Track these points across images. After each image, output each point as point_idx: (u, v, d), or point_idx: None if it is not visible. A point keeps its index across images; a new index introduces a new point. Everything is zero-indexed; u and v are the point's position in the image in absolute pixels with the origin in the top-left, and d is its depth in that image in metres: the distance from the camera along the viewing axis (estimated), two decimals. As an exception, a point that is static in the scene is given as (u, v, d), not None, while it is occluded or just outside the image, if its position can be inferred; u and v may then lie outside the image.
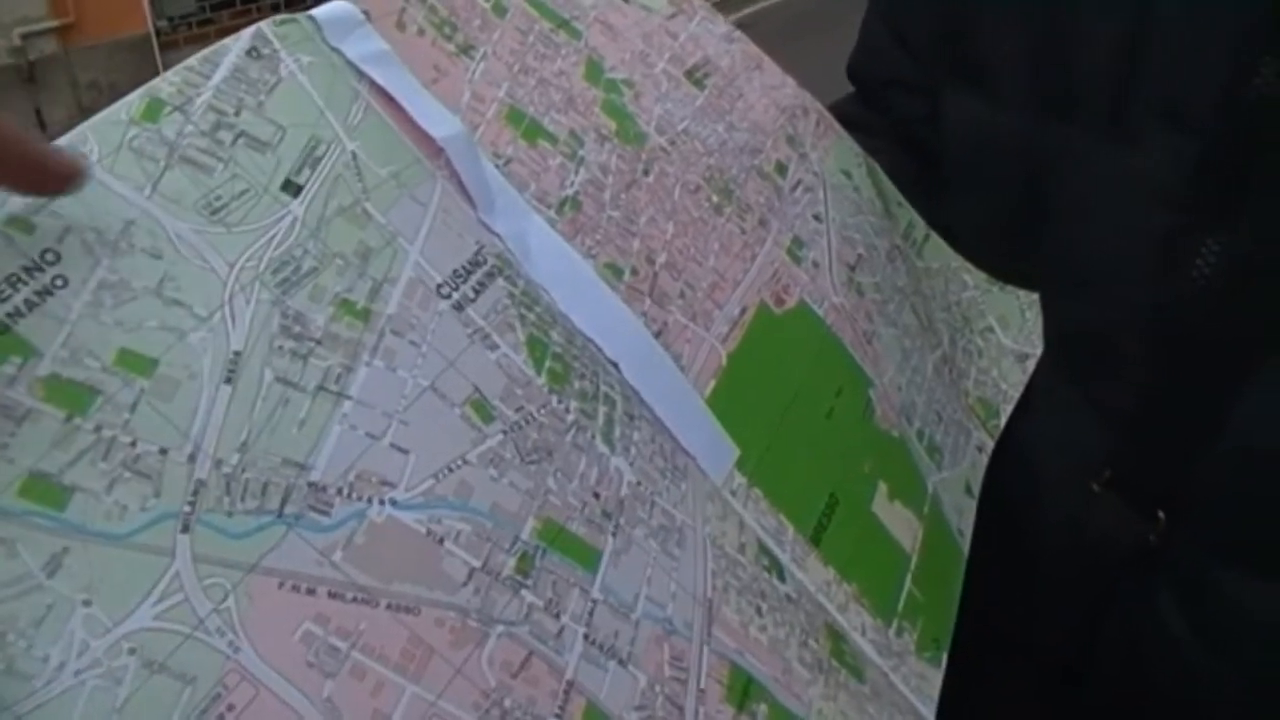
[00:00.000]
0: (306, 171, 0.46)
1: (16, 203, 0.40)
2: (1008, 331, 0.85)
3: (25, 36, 7.69)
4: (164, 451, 0.39)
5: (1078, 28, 0.76)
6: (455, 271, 0.49)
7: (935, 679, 0.63)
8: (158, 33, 8.67)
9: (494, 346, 0.48)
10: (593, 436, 0.50)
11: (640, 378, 0.55)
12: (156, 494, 0.38)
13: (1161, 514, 0.79)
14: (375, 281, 0.46)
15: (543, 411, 0.49)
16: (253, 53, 0.48)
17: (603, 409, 0.51)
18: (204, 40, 8.97)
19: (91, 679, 0.36)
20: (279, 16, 0.50)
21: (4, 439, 0.37)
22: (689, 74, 0.70)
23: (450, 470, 0.44)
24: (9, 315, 0.38)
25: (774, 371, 0.63)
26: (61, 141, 0.42)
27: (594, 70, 0.64)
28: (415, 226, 0.49)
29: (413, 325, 0.46)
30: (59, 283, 0.39)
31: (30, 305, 0.39)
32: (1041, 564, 0.87)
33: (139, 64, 8.63)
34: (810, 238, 0.71)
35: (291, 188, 0.46)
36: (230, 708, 0.37)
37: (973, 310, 0.85)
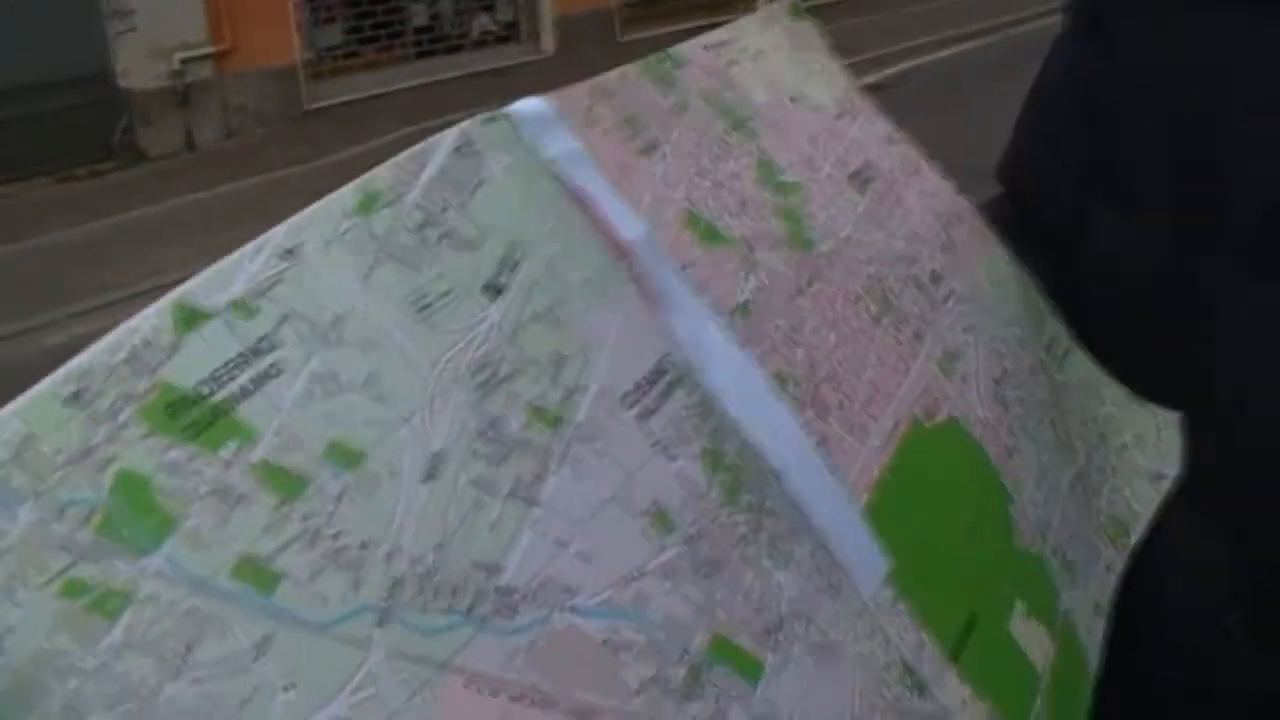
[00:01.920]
0: (506, 274, 0.48)
1: (239, 286, 0.42)
2: (1144, 450, 0.83)
3: (184, 61, 7.96)
4: (365, 545, 0.40)
5: (1229, 170, 0.75)
6: (639, 382, 0.50)
7: None
8: (305, 63, 8.91)
9: (674, 458, 0.50)
10: (758, 551, 0.51)
11: (802, 489, 0.56)
12: (356, 586, 0.40)
13: None
14: (566, 389, 0.48)
15: (715, 524, 0.50)
16: (459, 151, 0.50)
17: (768, 522, 0.52)
18: (348, 73, 9.16)
19: None
20: (482, 115, 0.52)
21: (220, 520, 0.38)
22: (852, 178, 0.71)
23: (629, 580, 0.46)
24: (229, 399, 0.40)
25: (923, 486, 0.64)
26: (282, 228, 0.44)
27: (765, 172, 0.65)
28: (604, 334, 0.50)
29: (599, 434, 0.48)
30: (275, 370, 0.41)
31: (248, 390, 0.41)
32: (1167, 702, 0.85)
33: (286, 92, 8.85)
34: (961, 350, 0.71)
35: (492, 290, 0.47)
36: None
37: (1110, 427, 0.84)
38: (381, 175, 0.47)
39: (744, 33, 0.69)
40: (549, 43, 9.85)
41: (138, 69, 7.93)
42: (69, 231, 6.79)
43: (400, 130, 7.79)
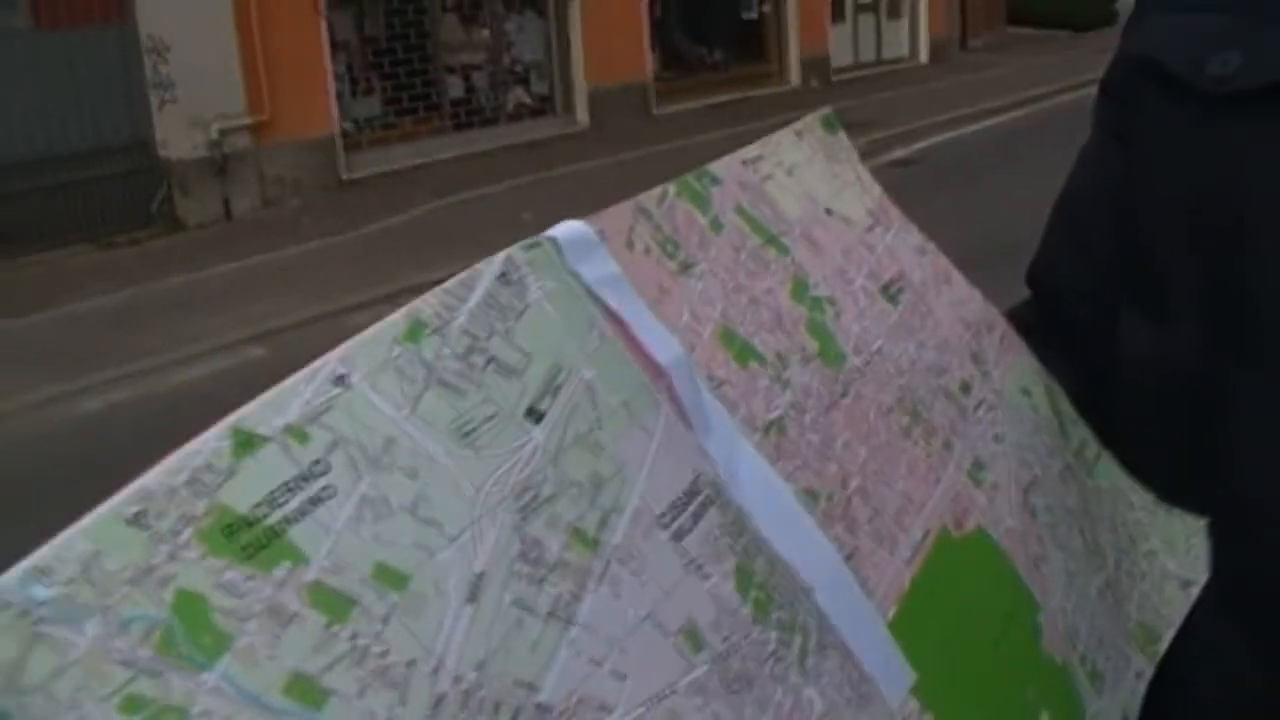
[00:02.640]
0: (548, 399, 0.50)
1: (293, 412, 0.44)
2: (1172, 556, 0.84)
3: (223, 131, 8.09)
4: (411, 664, 0.42)
5: (1260, 282, 0.76)
6: (674, 502, 0.52)
7: None
8: (342, 134, 9.02)
9: (707, 576, 0.51)
10: (788, 667, 0.52)
11: (831, 603, 0.57)
12: (402, 703, 0.41)
13: None
14: (604, 511, 0.49)
15: (746, 641, 0.51)
16: (503, 278, 0.51)
17: (798, 638, 0.54)
18: (385, 144, 9.26)
19: None
20: (526, 241, 0.54)
21: (272, 639, 0.40)
22: (884, 289, 0.72)
23: (660, 698, 0.47)
24: (283, 521, 0.42)
25: (950, 597, 0.65)
26: (334, 356, 0.46)
27: (800, 288, 0.66)
28: (641, 456, 0.52)
29: (635, 555, 0.49)
30: (327, 493, 0.43)
31: (302, 513, 0.42)
32: None
33: (323, 162, 8.95)
34: (990, 459, 0.72)
35: (534, 415, 0.49)
36: None
37: (1138, 532, 0.84)
38: (429, 302, 0.49)
39: (778, 147, 0.71)
40: (583, 115, 9.95)
41: (177, 139, 8.06)
42: (107, 298, 6.88)
43: (436, 201, 7.87)
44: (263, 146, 8.26)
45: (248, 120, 8.17)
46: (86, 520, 0.39)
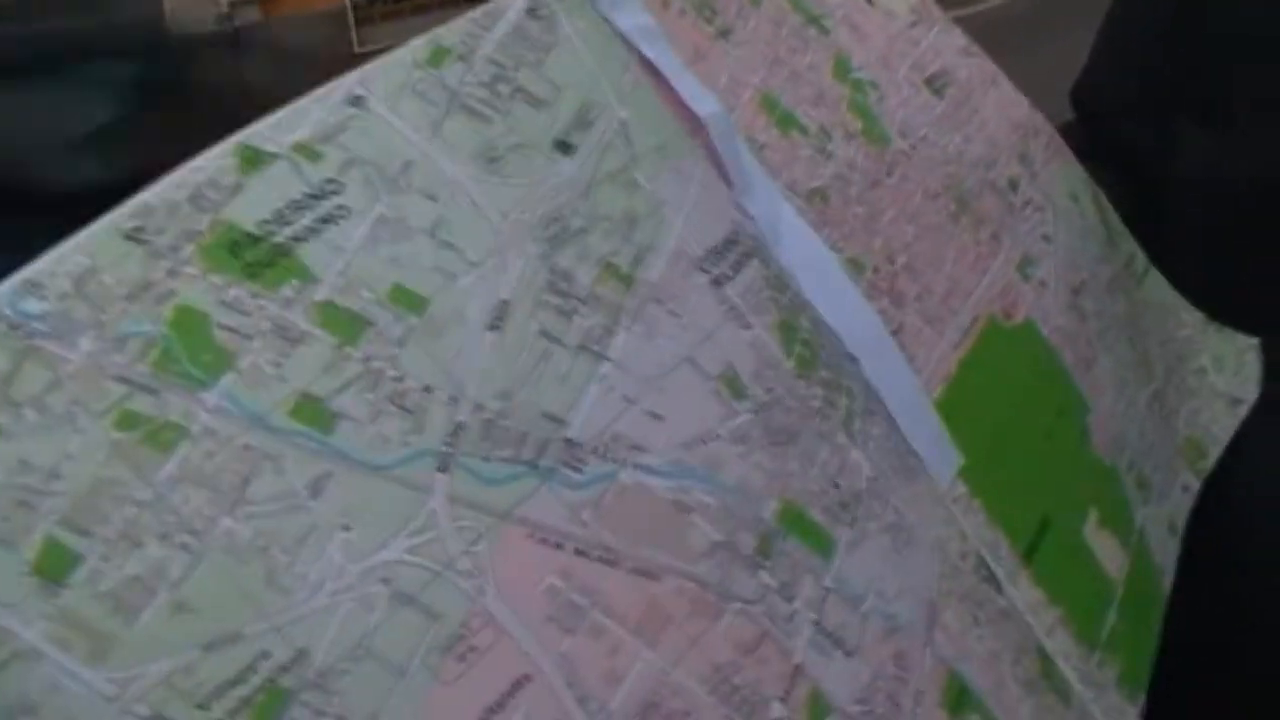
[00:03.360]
0: (579, 133, 0.47)
1: (304, 131, 0.41)
2: (1222, 374, 0.82)
3: (232, 4, 8.01)
4: (428, 389, 0.39)
5: None
6: (713, 248, 0.49)
7: (1133, 715, 0.62)
8: (354, 6, 8.94)
9: (748, 326, 0.48)
10: (834, 426, 0.50)
11: (877, 374, 0.54)
12: (418, 430, 0.39)
13: None
14: (640, 248, 0.46)
15: (790, 395, 0.48)
16: (531, 13, 0.48)
17: (844, 400, 0.51)
18: (398, 17, 9.16)
19: (345, 602, 0.36)
20: None
21: (279, 358, 0.38)
22: (928, 82, 0.70)
23: (701, 442, 0.44)
24: (292, 239, 0.39)
25: (999, 384, 0.62)
26: (350, 78, 0.43)
27: (842, 68, 0.63)
28: (679, 199, 0.49)
29: (674, 295, 0.46)
30: (340, 213, 0.40)
31: (312, 232, 0.39)
32: (1246, 620, 0.84)
33: (335, 36, 8.87)
34: (1038, 257, 0.69)
35: (564, 147, 0.46)
36: (472, 649, 0.38)
37: (1188, 349, 0.82)
38: (453, 30, 0.46)
39: None
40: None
41: (186, 12, 7.97)
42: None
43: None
44: (273, 19, 8.18)
45: (258, -7, 8.10)
46: (82, 235, 0.37)
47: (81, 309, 0.36)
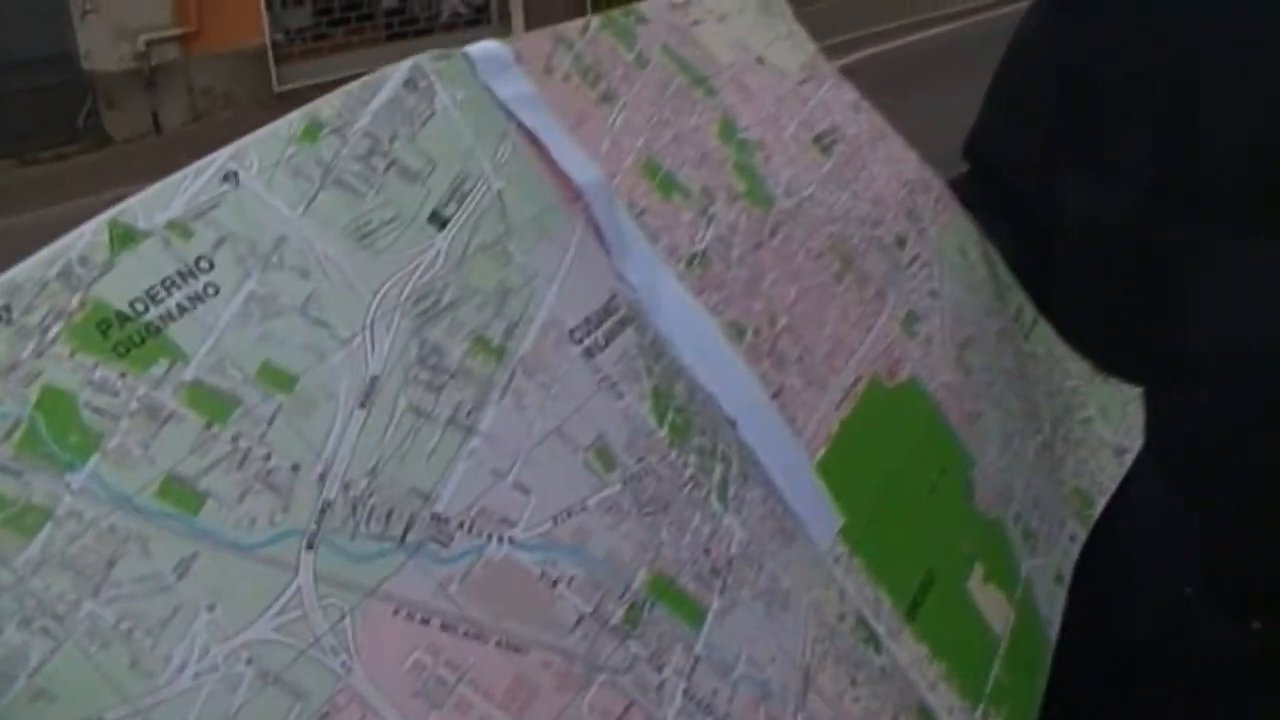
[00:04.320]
0: (454, 205, 0.47)
1: (177, 207, 0.41)
2: (1108, 424, 0.84)
3: (149, 43, 7.89)
4: (296, 468, 0.40)
5: (1210, 137, 0.75)
6: (588, 318, 0.49)
7: None
8: (274, 45, 8.85)
9: (620, 395, 0.49)
10: (708, 494, 0.50)
11: (755, 437, 0.55)
12: (285, 509, 0.39)
13: (1258, 624, 0.77)
14: (511, 321, 0.47)
15: (662, 464, 0.49)
16: (409, 84, 0.49)
17: (719, 466, 0.52)
18: (317, 55, 9.12)
19: (209, 683, 0.36)
20: (435, 51, 0.51)
21: (147, 439, 0.38)
22: (817, 140, 0.70)
23: (569, 515, 0.45)
24: (161, 318, 0.39)
25: (882, 444, 0.63)
26: (223, 153, 0.43)
27: (727, 129, 0.64)
28: (553, 270, 0.49)
29: (544, 367, 0.47)
30: (211, 290, 0.40)
31: (182, 310, 0.40)
32: (1131, 668, 0.85)
33: (254, 74, 8.79)
34: (925, 313, 0.70)
35: (438, 220, 0.47)
36: None
37: (1075, 400, 0.84)
38: (329, 103, 0.47)
39: None
40: (519, 25, 9.83)
41: (102, 50, 7.85)
42: (35, 214, 6.73)
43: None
44: (191, 58, 8.08)
45: (175, 31, 7.98)
46: None
47: None
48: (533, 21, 9.76)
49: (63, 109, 7.86)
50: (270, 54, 8.54)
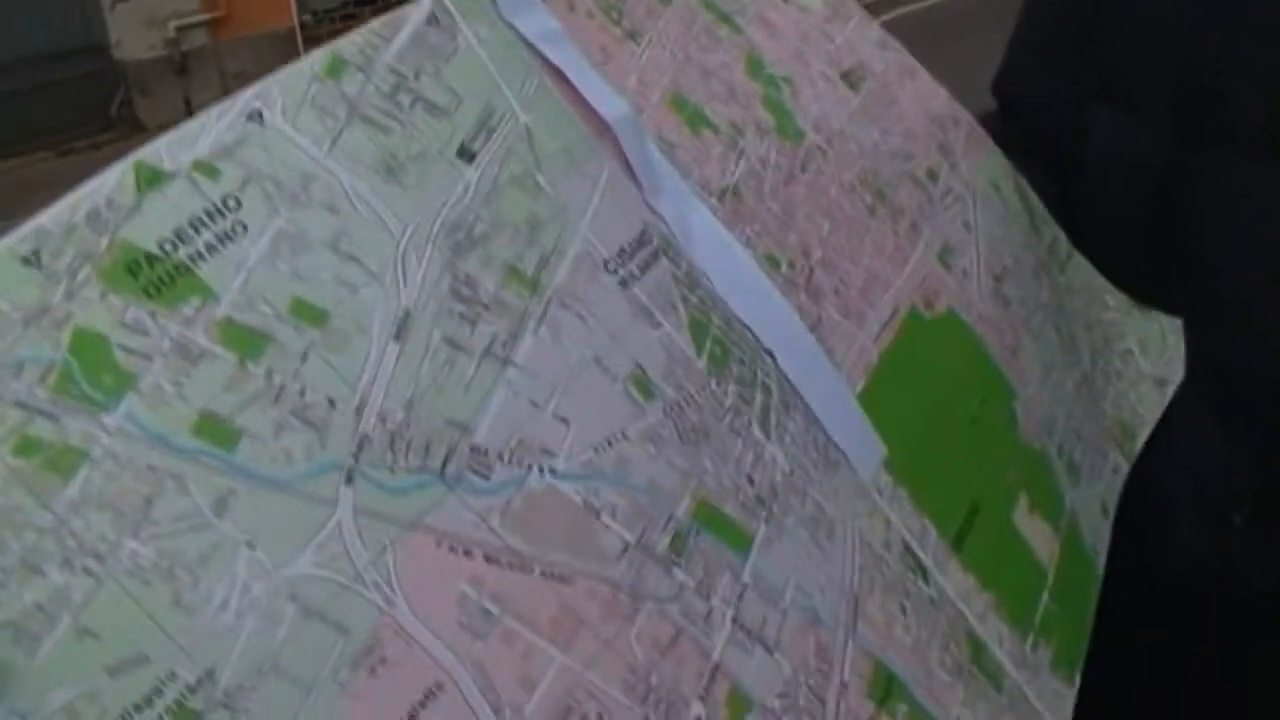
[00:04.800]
0: (481, 139, 0.47)
1: (203, 148, 0.41)
2: (1148, 356, 0.83)
3: (179, 29, 7.93)
4: (332, 402, 0.39)
5: (1232, 56, 0.74)
6: (621, 249, 0.49)
7: (1069, 697, 0.62)
8: (302, 26, 8.88)
9: (657, 325, 0.48)
10: (749, 422, 0.50)
11: (794, 368, 0.54)
12: (322, 444, 0.39)
13: None
14: (544, 252, 0.46)
15: (702, 393, 0.49)
16: (432, 20, 0.48)
17: (760, 395, 0.51)
18: (347, 35, 9.13)
19: (251, 620, 0.36)
20: None
21: (180, 377, 0.37)
22: (844, 76, 0.70)
23: (610, 443, 0.45)
24: (191, 257, 0.39)
25: (922, 374, 0.63)
26: (247, 92, 0.43)
27: (754, 65, 0.64)
28: (584, 201, 0.49)
29: (579, 298, 0.46)
30: (239, 229, 0.40)
31: (211, 249, 0.39)
32: (1174, 598, 0.85)
33: (284, 57, 8.79)
34: (959, 245, 0.70)
35: (466, 154, 0.46)
36: (382, 660, 0.37)
37: (1113, 332, 0.83)
38: (352, 40, 0.46)
39: None
40: (547, 2, 9.82)
41: (133, 39, 7.90)
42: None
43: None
44: (221, 42, 8.11)
45: (204, 16, 8.01)
46: None
47: None
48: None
49: (96, 98, 7.91)
50: (299, 35, 8.57)
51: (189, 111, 8.04)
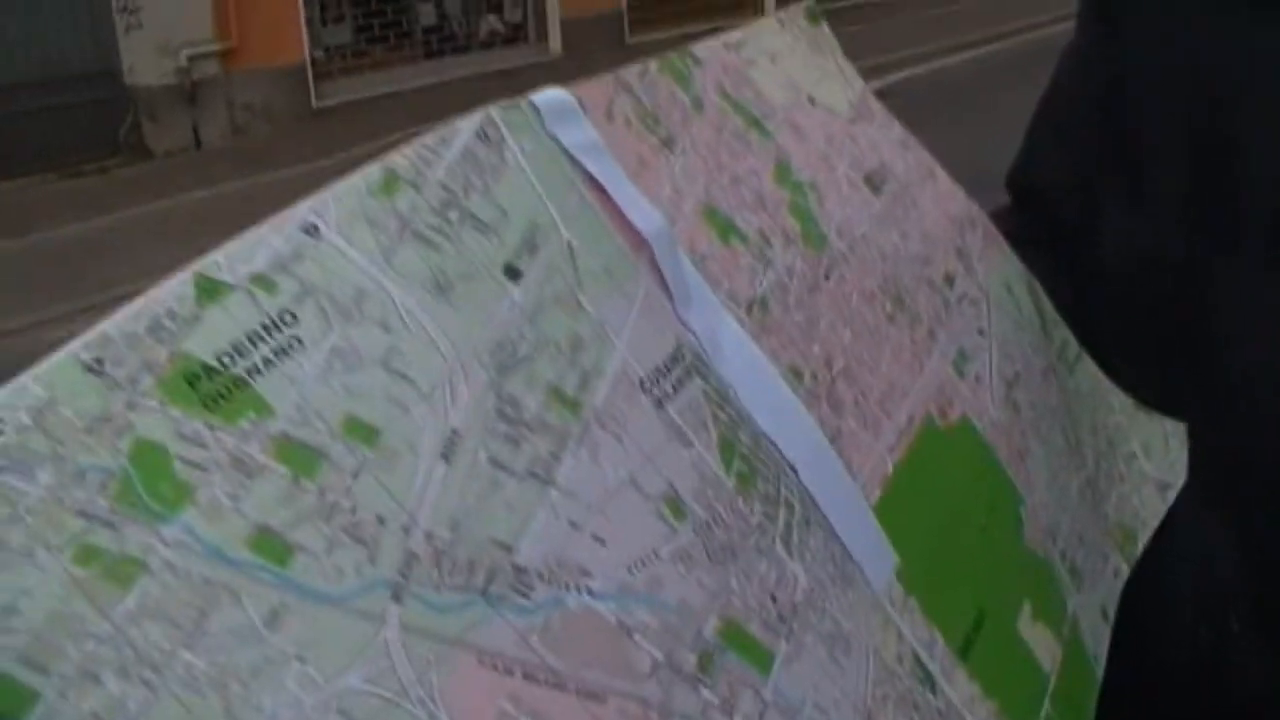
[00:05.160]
0: (526, 258, 0.48)
1: (260, 260, 0.42)
2: (1151, 459, 0.84)
3: (191, 58, 7.97)
4: (381, 520, 0.41)
5: (1245, 168, 0.75)
6: (656, 368, 0.50)
7: None
8: (313, 62, 8.92)
9: (689, 445, 0.50)
10: (773, 540, 0.51)
11: (815, 482, 0.56)
12: (372, 561, 0.40)
13: None
14: (585, 372, 0.48)
15: (730, 512, 0.50)
16: (480, 135, 0.50)
17: (783, 513, 0.53)
18: (356, 72, 9.17)
19: None
20: (504, 102, 0.52)
21: (236, 491, 0.39)
22: (867, 179, 0.71)
23: (643, 564, 0.46)
24: (248, 371, 0.40)
25: (935, 484, 0.64)
26: (304, 205, 0.44)
27: (782, 171, 0.65)
28: (622, 320, 0.50)
29: (617, 418, 0.48)
30: (295, 344, 0.41)
31: (268, 363, 0.40)
32: (1174, 702, 0.85)
33: (293, 90, 8.84)
34: (974, 351, 0.71)
35: (512, 272, 0.48)
36: None
37: (1118, 435, 0.84)
38: (405, 155, 0.47)
39: (761, 34, 0.70)
40: (556, 44, 9.87)
41: (144, 66, 7.94)
42: (75, 227, 6.80)
43: (408, 129, 7.71)
44: (232, 74, 8.15)
45: (216, 47, 8.05)
46: (41, 366, 0.37)
47: (40, 441, 0.36)
48: (569, 40, 9.80)
49: (105, 123, 7.94)
50: (310, 70, 8.61)
51: (196, 140, 8.08)
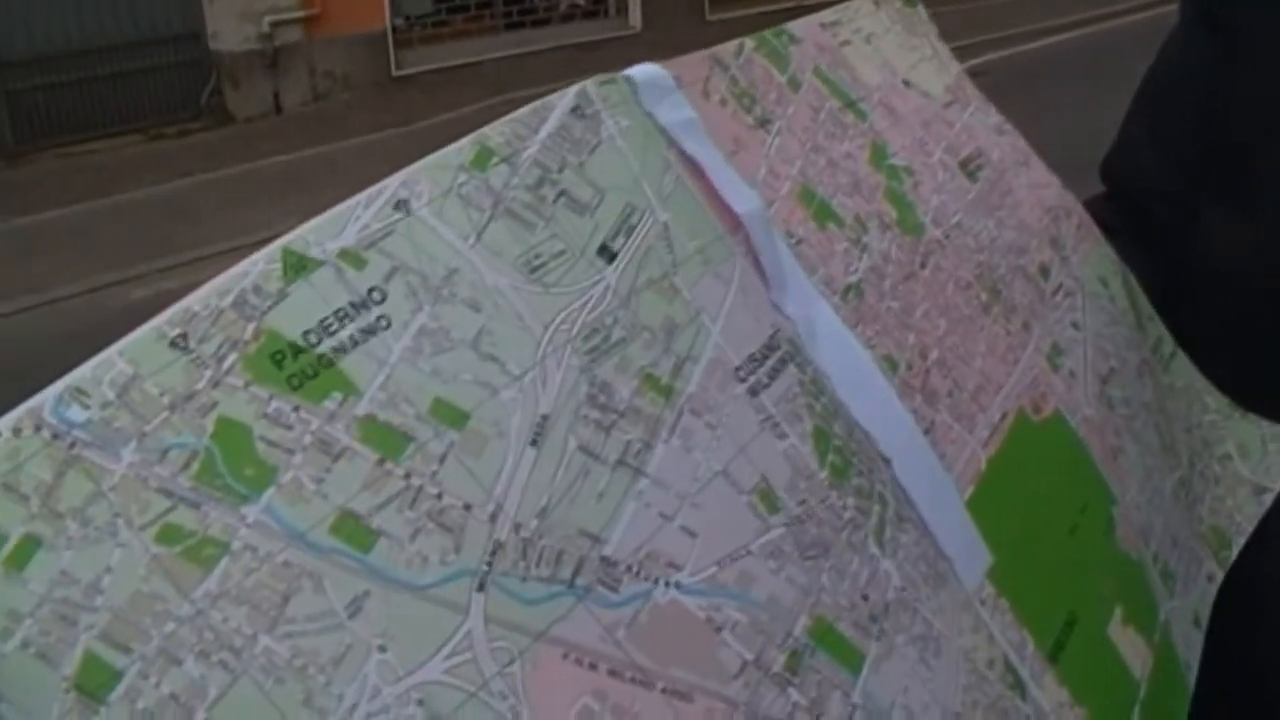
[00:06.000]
0: (621, 238, 0.47)
1: (349, 235, 0.41)
2: (1247, 461, 0.81)
3: (274, 24, 8.05)
4: (468, 507, 0.40)
5: None
6: (751, 355, 0.49)
7: None
8: (394, 30, 8.98)
9: (783, 435, 0.48)
10: (865, 536, 0.50)
11: (909, 476, 0.54)
12: (457, 549, 0.39)
13: None
14: (678, 358, 0.46)
15: (823, 506, 0.48)
16: (576, 111, 0.48)
17: (876, 508, 0.51)
18: (437, 41, 9.23)
19: None
20: (600, 76, 0.51)
21: (320, 474, 0.38)
22: (963, 165, 0.69)
23: (734, 559, 0.44)
24: (335, 350, 0.39)
25: (1027, 481, 0.62)
26: (395, 180, 0.43)
27: (878, 155, 0.63)
28: (717, 305, 0.49)
29: (710, 407, 0.46)
30: (383, 323, 0.40)
31: (355, 342, 0.39)
32: (1265, 713, 0.83)
33: (373, 58, 8.91)
34: (1068, 345, 0.69)
35: (607, 253, 0.46)
36: None
37: (1213, 435, 0.82)
38: (498, 130, 0.46)
39: (856, 14, 0.68)
40: (636, 18, 9.86)
41: (228, 31, 8.03)
42: (158, 188, 6.89)
43: (486, 100, 7.82)
44: (314, 40, 8.21)
45: (299, 13, 8.12)
46: (125, 341, 0.37)
47: (124, 418, 0.36)
48: (650, 13, 9.78)
49: (188, 87, 8.04)
50: (390, 38, 8.66)
51: (277, 105, 8.16)
